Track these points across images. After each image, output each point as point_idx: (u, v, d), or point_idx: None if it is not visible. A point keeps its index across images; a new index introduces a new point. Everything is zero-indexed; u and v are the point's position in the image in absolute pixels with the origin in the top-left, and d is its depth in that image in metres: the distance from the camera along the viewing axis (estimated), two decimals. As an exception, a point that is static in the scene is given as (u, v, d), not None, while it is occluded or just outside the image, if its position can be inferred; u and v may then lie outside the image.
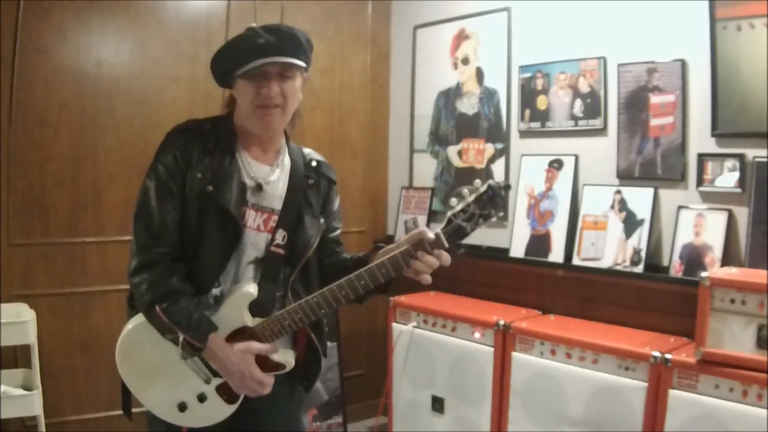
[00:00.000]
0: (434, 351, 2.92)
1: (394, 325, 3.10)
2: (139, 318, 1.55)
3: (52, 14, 2.77)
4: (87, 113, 2.89)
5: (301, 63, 1.54)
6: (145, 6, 2.99)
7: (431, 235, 1.47)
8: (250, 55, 1.49)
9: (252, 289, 1.56)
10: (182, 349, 1.50)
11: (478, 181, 1.46)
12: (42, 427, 2.56)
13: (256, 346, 1.54)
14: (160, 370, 1.56)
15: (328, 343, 3.30)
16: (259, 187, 1.60)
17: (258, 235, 1.60)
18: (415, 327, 3.01)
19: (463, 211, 1.45)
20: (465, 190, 1.46)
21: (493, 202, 1.45)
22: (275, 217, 1.62)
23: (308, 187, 1.68)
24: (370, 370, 3.73)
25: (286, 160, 1.68)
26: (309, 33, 1.60)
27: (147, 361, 1.57)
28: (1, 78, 2.67)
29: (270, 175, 1.63)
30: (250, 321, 1.56)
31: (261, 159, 1.63)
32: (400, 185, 3.74)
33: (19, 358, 2.67)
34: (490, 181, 1.45)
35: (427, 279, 1.50)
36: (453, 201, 1.47)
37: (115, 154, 2.94)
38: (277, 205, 1.62)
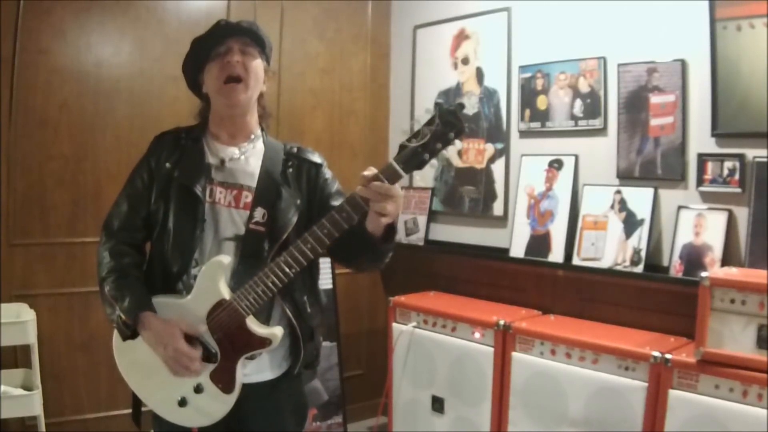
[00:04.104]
0: (434, 351, 2.92)
1: (394, 325, 3.10)
2: None
3: (52, 14, 2.77)
4: (87, 113, 2.89)
5: (260, 40, 1.66)
6: (145, 6, 3.00)
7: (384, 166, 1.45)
8: (216, 37, 1.64)
9: (224, 259, 1.56)
10: (117, 329, 1.57)
11: (429, 108, 1.45)
12: (42, 427, 2.56)
13: (185, 324, 1.53)
14: (154, 359, 1.56)
15: (328, 343, 3.33)
16: (221, 163, 1.65)
17: (233, 213, 1.63)
18: (415, 327, 3.01)
19: (414, 136, 1.45)
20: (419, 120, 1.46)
21: (447, 123, 1.42)
22: (247, 194, 1.64)
23: (287, 169, 1.69)
24: (370, 370, 3.73)
25: (259, 144, 1.72)
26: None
27: (140, 350, 1.57)
28: (1, 78, 2.67)
29: (235, 154, 1.67)
30: (227, 294, 1.54)
31: (228, 143, 1.69)
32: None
33: (19, 358, 2.68)
34: (438, 100, 1.45)
35: (386, 211, 1.48)
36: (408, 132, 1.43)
37: (115, 154, 2.94)
38: (248, 181, 1.65)
